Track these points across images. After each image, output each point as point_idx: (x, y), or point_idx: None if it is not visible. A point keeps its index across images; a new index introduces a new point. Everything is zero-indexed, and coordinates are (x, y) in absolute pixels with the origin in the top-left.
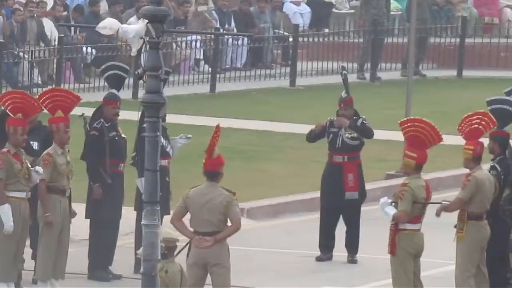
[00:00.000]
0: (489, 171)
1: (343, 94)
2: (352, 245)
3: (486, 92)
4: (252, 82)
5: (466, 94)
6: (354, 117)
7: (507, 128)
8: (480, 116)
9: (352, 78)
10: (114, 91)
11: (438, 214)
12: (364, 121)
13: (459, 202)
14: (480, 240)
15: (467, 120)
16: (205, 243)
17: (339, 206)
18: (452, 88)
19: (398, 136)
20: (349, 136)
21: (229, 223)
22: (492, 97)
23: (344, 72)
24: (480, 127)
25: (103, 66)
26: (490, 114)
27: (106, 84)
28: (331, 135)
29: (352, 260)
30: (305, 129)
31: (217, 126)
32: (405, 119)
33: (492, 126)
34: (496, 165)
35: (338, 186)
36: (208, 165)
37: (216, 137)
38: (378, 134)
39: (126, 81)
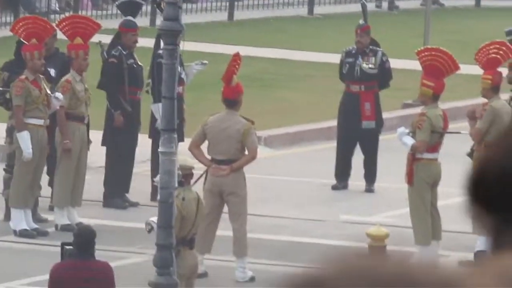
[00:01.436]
0: (509, 101)
1: (361, 21)
2: (370, 174)
3: (505, 22)
4: (270, 10)
5: (484, 24)
6: (371, 47)
7: None
8: (498, 46)
9: (370, 7)
10: (130, 18)
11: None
12: (384, 58)
13: (478, 132)
14: None
15: (484, 49)
16: (221, 172)
17: (356, 135)
18: (470, 17)
19: (416, 65)
20: (367, 66)
21: (246, 152)
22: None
23: (363, 1)
24: (498, 56)
25: None
26: (508, 43)
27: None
28: (347, 65)
29: (369, 189)
30: (323, 57)
31: (237, 54)
32: (422, 48)
33: (510, 55)
34: None
35: (355, 115)
36: (227, 93)
37: (235, 64)
38: (395, 63)
39: (144, 8)
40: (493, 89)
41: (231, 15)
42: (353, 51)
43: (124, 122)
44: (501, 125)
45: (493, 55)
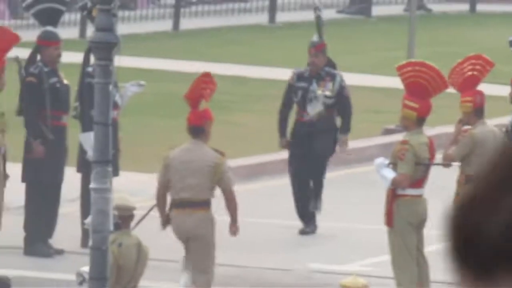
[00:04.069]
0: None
1: (315, 37)
2: (316, 193)
3: (502, 30)
4: (223, 18)
5: (480, 32)
6: (326, 69)
7: None
8: (473, 61)
9: (344, 13)
10: (50, 28)
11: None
12: (342, 84)
13: (449, 159)
14: None
15: (458, 69)
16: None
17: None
18: (463, 25)
19: (398, 83)
20: (323, 94)
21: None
22: None
23: (317, 12)
24: (475, 73)
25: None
26: (484, 55)
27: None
28: (300, 91)
29: (315, 206)
30: (286, 74)
31: (207, 74)
32: (404, 62)
33: (488, 68)
34: None
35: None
36: (193, 119)
37: (205, 87)
38: (374, 80)
39: (72, 17)
40: (476, 113)
41: (176, 24)
42: (306, 74)
43: (46, 152)
44: (485, 156)
45: (469, 72)
